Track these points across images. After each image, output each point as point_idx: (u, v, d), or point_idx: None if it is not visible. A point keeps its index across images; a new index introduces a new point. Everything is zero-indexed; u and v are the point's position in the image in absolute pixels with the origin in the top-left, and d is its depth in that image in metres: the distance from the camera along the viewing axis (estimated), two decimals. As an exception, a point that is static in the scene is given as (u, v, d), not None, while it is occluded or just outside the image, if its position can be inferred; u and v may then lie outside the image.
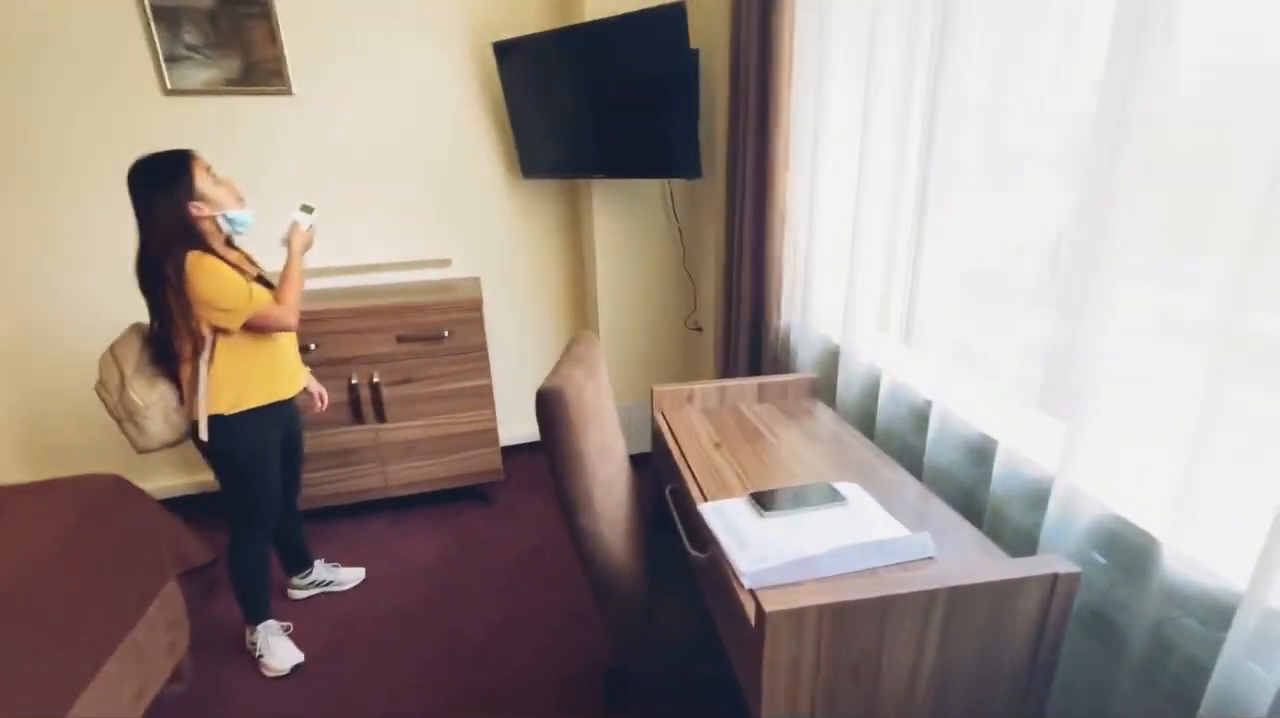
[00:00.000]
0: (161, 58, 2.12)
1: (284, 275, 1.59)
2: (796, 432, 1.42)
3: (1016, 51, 1.08)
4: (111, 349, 1.56)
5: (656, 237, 2.51)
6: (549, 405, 1.06)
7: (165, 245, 1.44)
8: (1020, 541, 1.08)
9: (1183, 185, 0.90)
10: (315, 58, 2.26)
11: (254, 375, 1.59)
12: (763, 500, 1.09)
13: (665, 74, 1.90)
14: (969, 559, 0.96)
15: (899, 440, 1.41)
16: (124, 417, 1.54)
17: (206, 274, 1.44)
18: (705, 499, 1.16)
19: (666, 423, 1.48)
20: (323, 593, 2.08)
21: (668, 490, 1.31)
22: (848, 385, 1.56)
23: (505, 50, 2.26)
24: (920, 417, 1.34)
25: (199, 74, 2.17)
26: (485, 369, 2.36)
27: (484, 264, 2.67)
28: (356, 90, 2.33)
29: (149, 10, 2.07)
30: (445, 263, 2.61)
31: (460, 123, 2.47)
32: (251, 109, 2.26)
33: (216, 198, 1.50)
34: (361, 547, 2.32)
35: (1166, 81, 0.80)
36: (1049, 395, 1.15)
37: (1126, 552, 0.91)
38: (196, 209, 1.47)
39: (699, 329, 2.60)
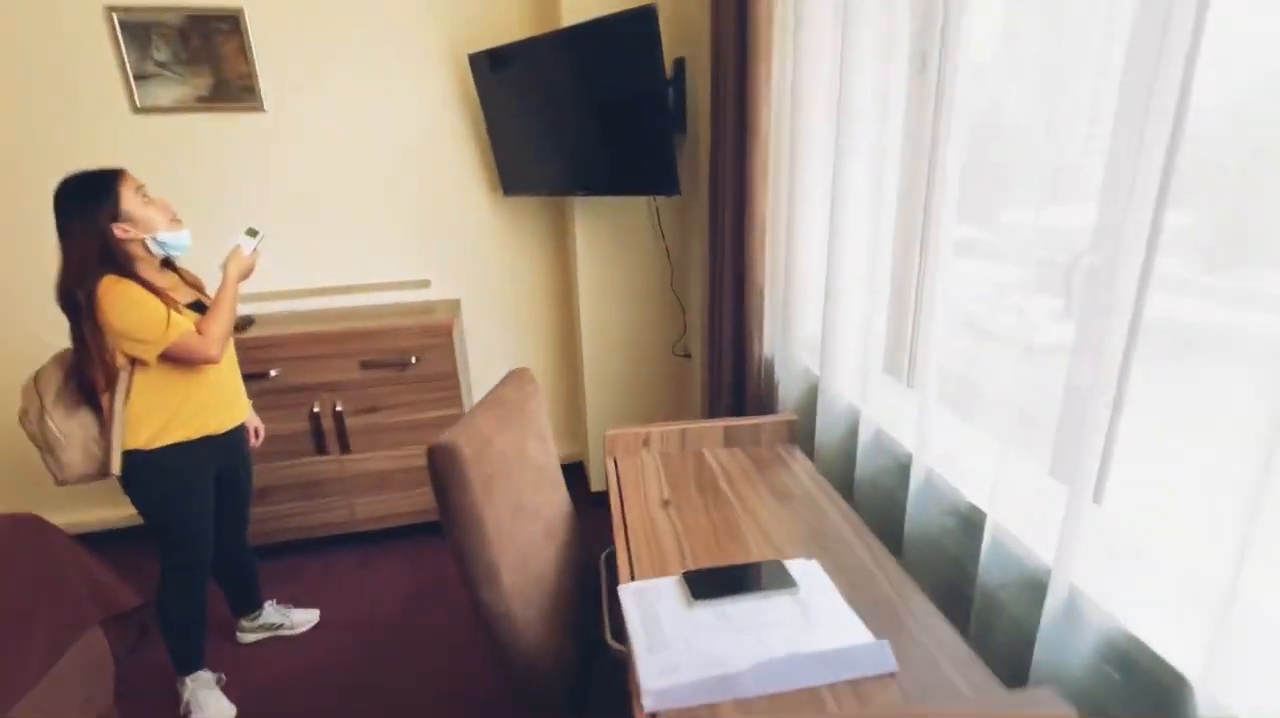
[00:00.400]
0: (131, 75, 2.07)
1: (213, 304, 1.47)
2: (763, 487, 1.23)
3: (1023, 45, 0.89)
4: (34, 377, 1.46)
5: (643, 256, 2.35)
6: (438, 464, 0.90)
7: (80, 269, 1.34)
8: (1017, 639, 0.87)
9: (1226, 206, 0.70)
10: (288, 73, 2.18)
11: (180, 408, 1.47)
12: (694, 584, 0.90)
13: (639, 82, 1.75)
14: (938, 680, 0.75)
15: (882, 500, 1.21)
16: (43, 448, 1.44)
17: (119, 301, 1.33)
18: (633, 574, 0.97)
19: (616, 471, 1.31)
20: (273, 637, 1.94)
21: (602, 557, 1.13)
22: (827, 430, 1.36)
23: (481, 62, 2.15)
24: (905, 473, 1.13)
25: (169, 91, 2.11)
26: (456, 398, 2.22)
27: (464, 285, 2.55)
28: (330, 106, 2.24)
29: (118, 27, 2.02)
30: (424, 284, 2.50)
31: (439, 138, 2.36)
32: (223, 126, 2.19)
33: (146, 219, 1.40)
34: (324, 586, 2.18)
35: (1195, 81, 0.61)
36: (1062, 460, 0.94)
37: (1148, 684, 0.70)
38: (122, 231, 1.37)
39: (687, 355, 2.42)
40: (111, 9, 2.00)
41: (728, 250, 1.73)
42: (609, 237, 2.31)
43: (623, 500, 1.20)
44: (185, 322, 1.41)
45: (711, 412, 1.98)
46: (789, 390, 1.57)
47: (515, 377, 1.19)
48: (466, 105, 2.34)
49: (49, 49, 2.02)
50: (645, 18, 1.62)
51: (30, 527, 1.48)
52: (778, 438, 1.41)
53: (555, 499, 1.20)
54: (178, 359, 1.42)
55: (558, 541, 1.16)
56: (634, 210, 2.29)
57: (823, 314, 1.34)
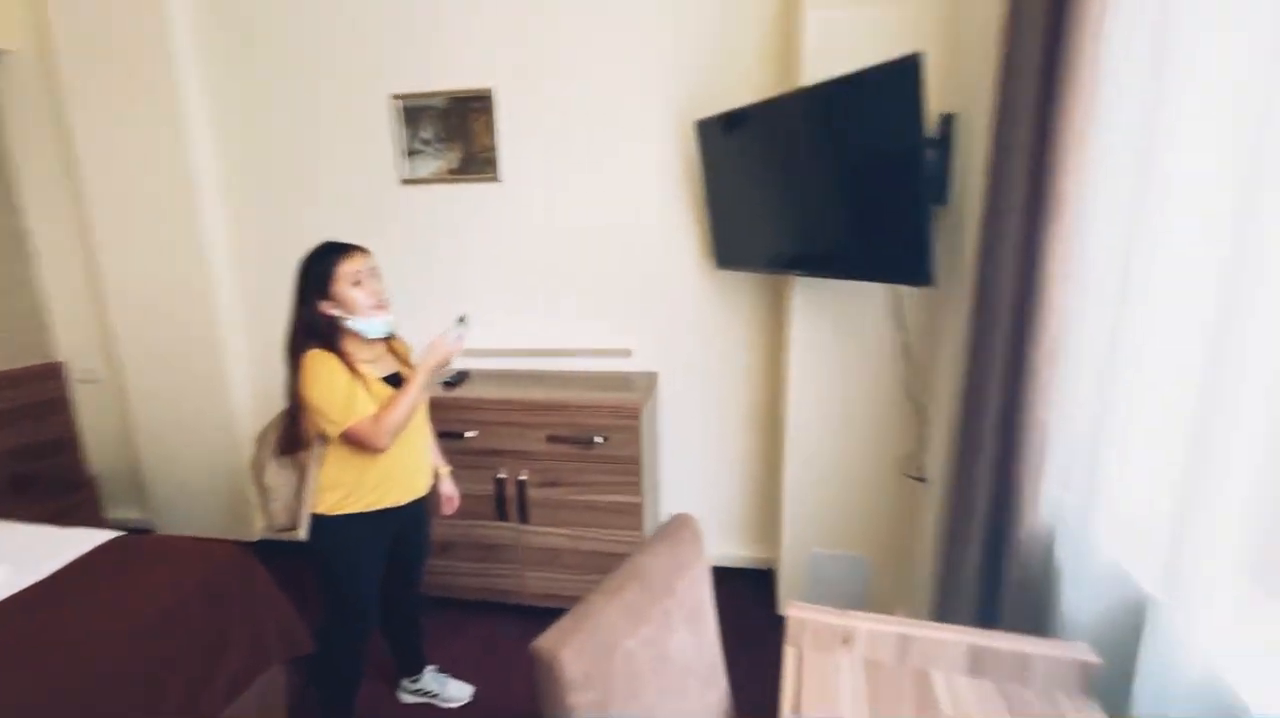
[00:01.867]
0: (402, 151, 2.33)
1: (399, 393, 1.44)
2: (1033, 780, 0.76)
3: None
4: (264, 429, 1.59)
5: (874, 352, 1.93)
6: (537, 677, 0.65)
7: (292, 339, 1.43)
8: None
9: None
10: (523, 146, 2.27)
11: (362, 482, 1.47)
12: None
13: (891, 144, 1.40)
14: None
15: None
16: (260, 495, 1.56)
17: (316, 378, 1.37)
18: None
19: (797, 676, 0.94)
20: (428, 704, 1.90)
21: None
22: (1165, 701, 0.83)
23: (707, 128, 1.99)
24: None
25: (428, 165, 2.33)
26: (635, 485, 2.02)
27: (667, 358, 2.38)
28: (555, 174, 2.28)
29: (398, 112, 2.29)
30: (625, 353, 2.38)
31: (656, 207, 2.25)
32: (465, 195, 2.35)
33: (349, 301, 1.42)
34: (484, 653, 2.11)
35: None
36: None
37: None
38: (329, 307, 1.42)
39: (922, 479, 1.90)
40: (395, 96, 2.28)
41: (997, 366, 1.27)
42: (832, 324, 1.95)
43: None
44: (368, 406, 1.40)
45: (949, 572, 1.48)
46: (1083, 596, 1.04)
47: (672, 533, 0.92)
48: (687, 173, 2.21)
49: (345, 131, 2.37)
50: (906, 69, 1.28)
51: (242, 559, 1.61)
52: (1058, 681, 0.91)
53: (705, 708, 0.89)
54: (353, 442, 1.42)
55: (698, 775, 0.84)
56: (868, 296, 1.89)
57: (1179, 489, 0.83)
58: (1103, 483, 1.03)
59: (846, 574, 2.10)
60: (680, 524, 0.94)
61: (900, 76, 1.29)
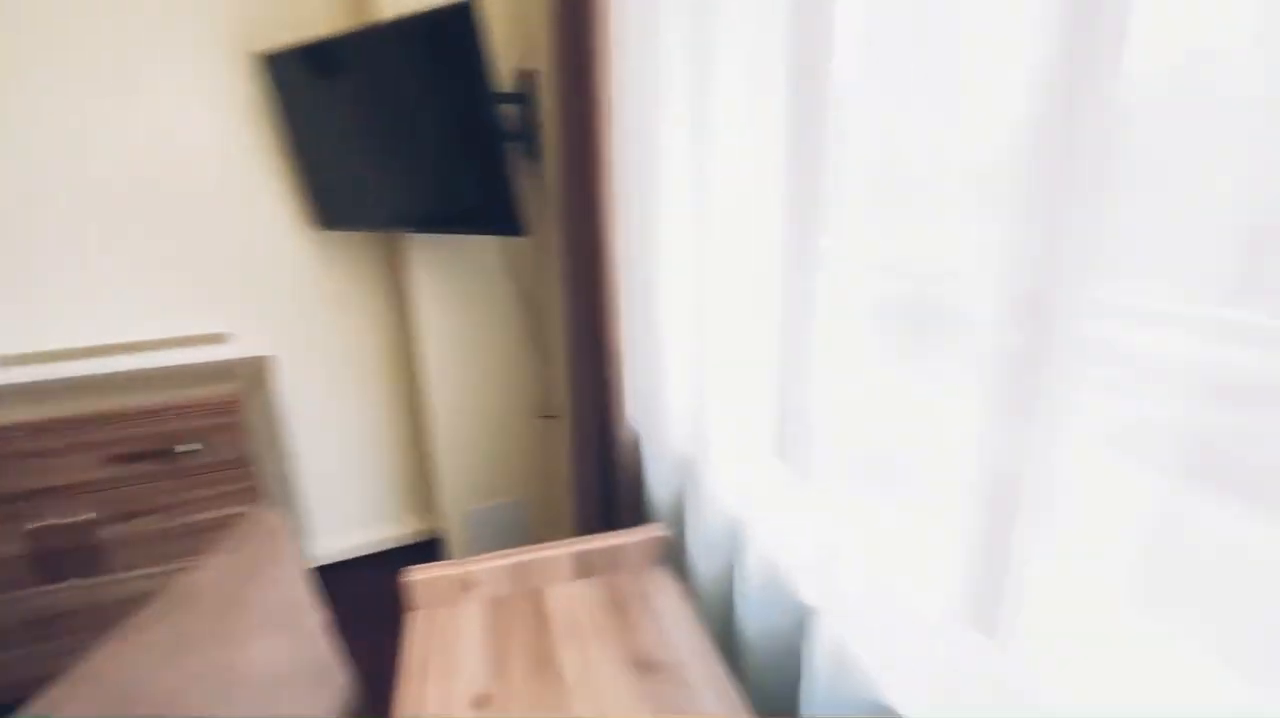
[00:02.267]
0: None
1: None
2: (619, 652, 0.90)
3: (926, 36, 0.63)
4: None
5: (498, 303, 1.98)
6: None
7: None
8: None
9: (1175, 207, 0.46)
10: (16, 72, 1.62)
11: None
12: None
13: (464, 101, 1.40)
14: None
15: (781, 676, 0.91)
16: None
17: None
18: None
19: (425, 637, 0.93)
20: None
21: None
22: (706, 550, 1.06)
23: (275, 64, 1.70)
24: (804, 633, 0.85)
25: None
26: (253, 490, 1.73)
27: (280, 338, 2.06)
28: (71, 118, 1.70)
29: None
30: (218, 339, 1.98)
31: (229, 161, 1.87)
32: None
33: None
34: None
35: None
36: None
37: None
38: None
39: (553, 417, 2.07)
40: None
41: (585, 302, 1.41)
42: (454, 280, 1.92)
43: (414, 701, 0.82)
44: None
45: (581, 492, 1.65)
46: (658, 482, 1.27)
47: (236, 540, 0.79)
48: (266, 118, 1.88)
49: None
50: (460, 15, 1.27)
51: None
52: (644, 560, 1.09)
53: (318, 710, 0.81)
54: None
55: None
56: (483, 249, 1.92)
57: (695, 378, 1.04)
58: (659, 387, 1.25)
59: (506, 522, 2.19)
60: (248, 527, 0.81)
61: (458, 22, 1.28)
